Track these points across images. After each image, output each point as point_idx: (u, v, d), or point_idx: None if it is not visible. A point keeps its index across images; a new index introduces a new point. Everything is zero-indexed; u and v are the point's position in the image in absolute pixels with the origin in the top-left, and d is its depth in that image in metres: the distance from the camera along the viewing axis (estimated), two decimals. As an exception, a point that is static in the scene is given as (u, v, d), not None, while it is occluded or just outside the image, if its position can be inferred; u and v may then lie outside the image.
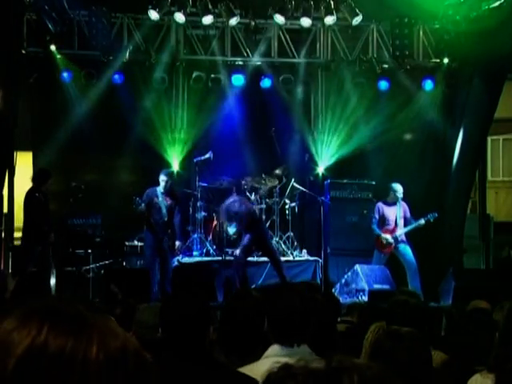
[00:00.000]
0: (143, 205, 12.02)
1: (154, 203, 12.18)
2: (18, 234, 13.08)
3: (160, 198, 12.21)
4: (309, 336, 3.65)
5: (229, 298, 4.66)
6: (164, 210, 12.23)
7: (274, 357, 3.47)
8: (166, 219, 12.25)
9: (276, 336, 3.62)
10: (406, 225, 12.82)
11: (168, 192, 12.27)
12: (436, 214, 12.64)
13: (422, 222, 12.68)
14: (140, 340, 3.96)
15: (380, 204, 12.95)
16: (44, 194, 12.09)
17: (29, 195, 12.11)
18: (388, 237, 12.76)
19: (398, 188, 12.79)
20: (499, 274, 13.18)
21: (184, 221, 13.25)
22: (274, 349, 3.59)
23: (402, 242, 12.78)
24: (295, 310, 3.61)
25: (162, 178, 12.21)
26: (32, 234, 11.95)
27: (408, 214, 12.83)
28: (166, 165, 13.76)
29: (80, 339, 1.23)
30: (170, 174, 12.40)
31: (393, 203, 12.86)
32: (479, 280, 11.93)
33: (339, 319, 5.89)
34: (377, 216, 12.90)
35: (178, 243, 12.40)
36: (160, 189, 12.22)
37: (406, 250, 12.72)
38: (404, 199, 12.86)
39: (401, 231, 12.77)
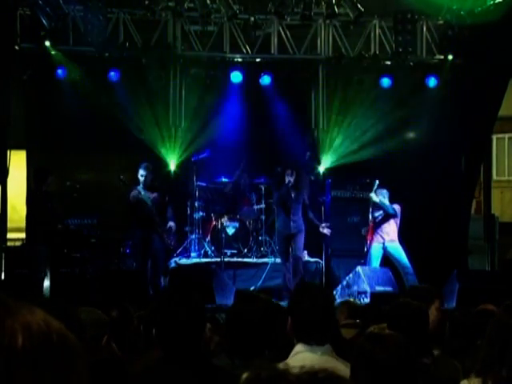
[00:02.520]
0: (124, 179, 12.02)
1: (139, 199, 11.96)
2: (11, 235, 12.87)
3: (143, 193, 12.00)
4: (330, 335, 3.75)
5: (236, 299, 4.64)
6: (149, 203, 12.02)
7: (302, 353, 3.62)
8: (153, 211, 12.02)
9: (299, 335, 3.70)
10: (400, 226, 12.54)
11: (149, 186, 12.05)
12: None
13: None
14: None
15: None
16: (46, 193, 11.87)
17: (28, 196, 11.94)
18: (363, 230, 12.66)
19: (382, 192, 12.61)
20: (504, 275, 12.93)
21: (182, 221, 13.06)
22: (300, 347, 3.68)
23: (392, 241, 12.46)
24: (318, 308, 3.68)
25: (141, 173, 12.04)
26: (35, 236, 11.77)
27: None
28: (163, 164, 13.55)
29: (4, 328, 1.22)
30: (148, 168, 12.13)
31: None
32: (484, 282, 11.71)
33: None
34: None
35: (171, 223, 12.15)
36: (140, 186, 12.03)
37: (398, 250, 12.42)
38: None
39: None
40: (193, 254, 13.13)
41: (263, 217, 13.25)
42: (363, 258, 12.97)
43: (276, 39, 13.96)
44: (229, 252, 13.00)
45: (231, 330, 4.25)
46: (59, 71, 13.38)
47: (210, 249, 13.12)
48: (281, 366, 3.49)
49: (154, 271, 11.95)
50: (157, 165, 13.22)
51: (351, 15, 13.51)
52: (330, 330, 3.74)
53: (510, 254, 13.96)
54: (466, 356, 4.48)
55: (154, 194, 12.09)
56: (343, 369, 3.29)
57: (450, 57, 13.84)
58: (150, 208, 12.03)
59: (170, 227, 12.14)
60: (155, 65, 13.64)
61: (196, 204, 13.32)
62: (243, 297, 4.75)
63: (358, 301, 11.71)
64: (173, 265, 12.63)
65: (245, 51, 13.93)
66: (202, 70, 13.85)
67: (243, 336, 4.12)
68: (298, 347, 3.69)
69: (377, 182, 12.61)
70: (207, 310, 4.45)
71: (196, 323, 3.46)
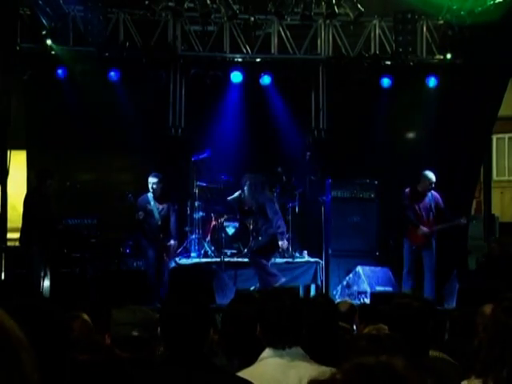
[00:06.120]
0: (131, 197, 11.88)
1: (147, 210, 11.95)
2: (11, 235, 12.86)
3: (152, 203, 11.99)
4: (302, 338, 3.69)
5: (232, 300, 4.61)
6: (157, 215, 12.01)
7: (268, 358, 3.62)
8: (159, 223, 12.02)
9: (268, 339, 3.68)
10: (439, 217, 12.25)
11: (158, 197, 12.01)
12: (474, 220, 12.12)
13: (464, 221, 12.22)
14: (116, 337, 3.75)
15: (408, 190, 12.36)
16: (43, 195, 11.82)
17: (25, 196, 11.91)
18: (426, 230, 12.23)
19: (431, 176, 12.25)
20: (490, 272, 12.90)
21: (181, 221, 13.05)
22: (268, 352, 3.66)
23: (434, 237, 12.35)
24: (284, 313, 3.64)
25: (152, 181, 11.98)
26: (30, 237, 11.74)
27: (441, 204, 12.26)
28: (163, 164, 13.55)
29: None
30: (159, 177, 12.09)
31: (424, 192, 12.31)
32: (484, 282, 11.70)
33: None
34: (407, 202, 12.31)
35: (172, 241, 12.13)
36: (150, 194, 11.98)
37: (433, 249, 12.31)
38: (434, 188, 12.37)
39: (440, 226, 12.23)
40: (193, 254, 13.12)
41: (279, 222, 13.17)
42: (363, 258, 12.96)
43: (276, 39, 13.96)
44: (229, 252, 12.98)
45: (227, 330, 4.26)
46: (59, 71, 13.38)
47: (210, 249, 13.11)
48: (244, 372, 3.51)
49: (159, 274, 11.94)
50: (158, 165, 13.22)
51: (351, 15, 13.49)
52: (299, 333, 3.70)
53: (495, 250, 13.83)
54: (466, 356, 4.47)
55: (163, 206, 12.08)
56: (313, 372, 3.28)
57: (450, 57, 13.84)
58: (156, 221, 12.01)
59: (171, 245, 12.15)
60: (155, 65, 13.64)
61: (196, 204, 13.32)
62: (239, 297, 4.76)
63: (357, 301, 11.75)
64: (173, 265, 12.61)
65: (245, 51, 13.93)
66: (202, 70, 13.84)
67: (239, 336, 4.13)
68: (266, 352, 3.67)
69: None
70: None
71: (203, 324, 3.46)
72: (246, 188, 12.02)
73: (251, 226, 13.29)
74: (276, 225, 12.04)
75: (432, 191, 12.34)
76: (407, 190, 12.41)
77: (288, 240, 13.28)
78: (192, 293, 3.57)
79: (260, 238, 12.26)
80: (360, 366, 1.48)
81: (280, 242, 12.12)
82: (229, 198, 13.01)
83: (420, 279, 12.26)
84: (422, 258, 12.37)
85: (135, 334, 3.97)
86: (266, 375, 3.55)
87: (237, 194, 12.64)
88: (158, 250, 12.01)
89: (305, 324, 3.74)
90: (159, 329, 3.57)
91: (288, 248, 12.86)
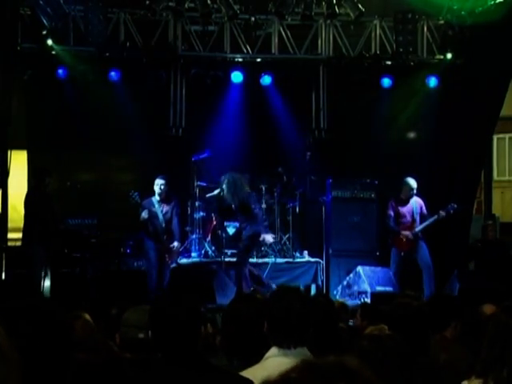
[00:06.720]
0: (137, 196, 11.86)
1: (152, 213, 11.95)
2: (11, 235, 12.86)
3: (156, 206, 11.98)
4: (308, 338, 3.70)
5: (232, 300, 4.62)
6: (161, 217, 12.01)
7: (273, 357, 3.63)
8: (163, 225, 12.02)
9: (274, 338, 3.69)
10: (422, 221, 12.41)
11: (164, 199, 12.01)
12: (455, 205, 12.26)
13: (443, 214, 12.27)
14: (123, 338, 3.75)
15: (393, 202, 12.55)
16: (43, 194, 11.82)
17: (26, 196, 11.91)
18: (408, 233, 12.37)
19: (412, 183, 12.42)
20: (505, 275, 12.92)
21: (182, 221, 13.07)
22: (273, 351, 3.68)
23: (421, 239, 12.42)
24: (294, 312, 3.65)
25: (159, 183, 11.97)
26: (31, 236, 11.73)
27: (425, 210, 12.45)
28: (163, 164, 13.55)
29: None
30: (165, 179, 12.09)
31: (407, 199, 12.49)
32: (484, 282, 11.71)
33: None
34: (392, 213, 12.49)
35: (176, 243, 12.13)
36: (156, 197, 12.00)
37: (424, 249, 12.38)
38: (418, 195, 12.52)
39: (420, 227, 12.38)
40: (193, 254, 13.12)
41: (264, 217, 13.23)
42: (364, 258, 12.96)
43: (277, 39, 13.95)
44: (229, 252, 12.99)
45: (228, 330, 4.25)
46: (60, 71, 13.38)
47: (211, 249, 13.12)
48: (247, 371, 3.52)
49: (160, 275, 11.95)
50: (158, 165, 13.22)
51: (352, 15, 13.51)
52: (306, 333, 3.71)
53: (490, 234, 13.75)
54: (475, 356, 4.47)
55: (167, 208, 12.09)
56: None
57: (451, 57, 13.83)
58: (161, 223, 12.03)
59: (174, 247, 12.16)
60: (156, 65, 13.64)
61: (196, 204, 13.33)
62: (240, 297, 4.76)
63: (358, 301, 11.75)
64: (173, 265, 12.62)
65: (245, 51, 13.93)
66: (202, 70, 13.84)
67: (240, 336, 4.13)
68: (271, 351, 3.69)
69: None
70: (208, 310, 4.45)
71: (193, 323, 3.45)
72: (224, 186, 12.02)
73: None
74: (262, 218, 12.21)
75: (416, 198, 12.46)
76: (392, 201, 12.59)
77: (289, 240, 13.35)
78: (180, 293, 3.56)
79: (245, 239, 12.21)
80: (313, 364, 1.50)
81: (263, 235, 12.15)
82: (207, 196, 13.04)
83: (419, 281, 12.28)
84: (416, 261, 12.44)
85: (141, 336, 3.99)
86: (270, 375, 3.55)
87: (216, 192, 12.63)
88: (160, 251, 12.01)
89: (312, 324, 3.75)
90: (149, 330, 3.55)
91: (274, 241, 12.91)
